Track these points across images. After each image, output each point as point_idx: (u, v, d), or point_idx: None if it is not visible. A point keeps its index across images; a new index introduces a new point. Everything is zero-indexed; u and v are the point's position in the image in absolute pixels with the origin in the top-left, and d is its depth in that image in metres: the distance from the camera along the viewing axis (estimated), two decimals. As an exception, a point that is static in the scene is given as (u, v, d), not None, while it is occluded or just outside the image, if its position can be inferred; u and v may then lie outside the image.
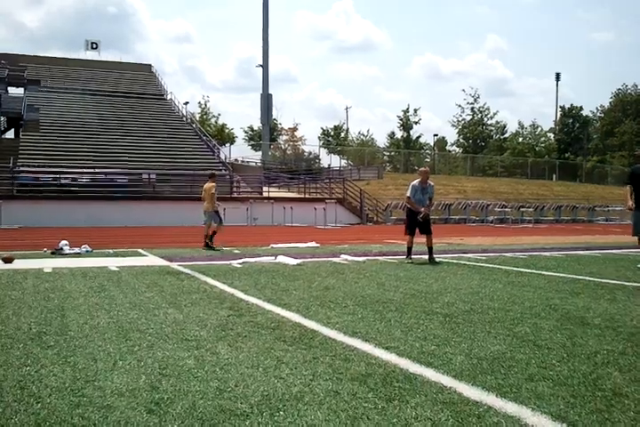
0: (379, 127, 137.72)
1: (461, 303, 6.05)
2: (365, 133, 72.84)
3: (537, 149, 67.80)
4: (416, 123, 68.62)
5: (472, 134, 68.61)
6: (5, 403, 3.00)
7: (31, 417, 2.81)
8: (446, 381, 3.39)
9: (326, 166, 48.45)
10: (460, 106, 68.79)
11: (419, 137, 69.83)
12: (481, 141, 69.20)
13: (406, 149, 63.75)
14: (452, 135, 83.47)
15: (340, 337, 4.47)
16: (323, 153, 64.68)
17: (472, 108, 68.45)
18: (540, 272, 8.84)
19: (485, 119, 69.35)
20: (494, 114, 69.56)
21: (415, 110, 68.31)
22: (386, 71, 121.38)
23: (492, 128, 69.99)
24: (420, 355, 3.96)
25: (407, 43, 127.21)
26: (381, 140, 73.73)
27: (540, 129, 70.27)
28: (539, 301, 6.23)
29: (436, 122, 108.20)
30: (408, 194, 10.69)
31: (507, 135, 70.34)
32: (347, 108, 78.43)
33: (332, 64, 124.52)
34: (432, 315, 5.39)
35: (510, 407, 2.97)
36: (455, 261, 10.55)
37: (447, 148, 73.12)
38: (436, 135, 67.67)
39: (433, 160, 63.79)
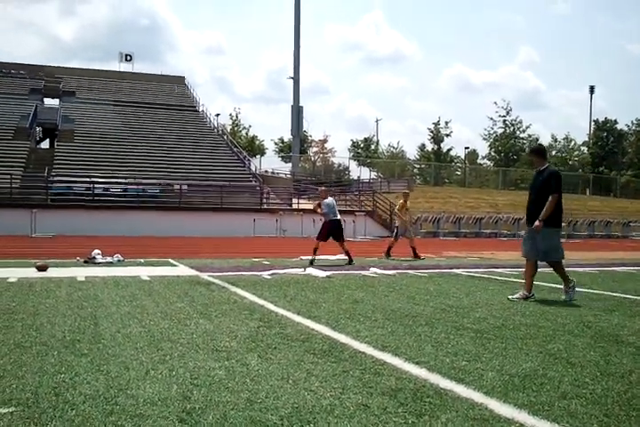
0: (409, 139, 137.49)
1: (492, 319, 5.99)
2: (395, 146, 72.84)
3: (570, 162, 67.03)
4: (447, 135, 68.53)
5: (504, 147, 68.07)
6: (41, 409, 3.05)
7: (66, 424, 2.85)
8: (477, 397, 3.36)
9: (356, 178, 48.48)
10: (491, 119, 68.43)
11: (449, 150, 69.66)
12: (513, 155, 68.60)
13: (437, 161, 63.53)
14: (483, 148, 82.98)
15: (369, 351, 4.46)
16: (352, 165, 64.85)
17: (504, 121, 68.01)
18: (572, 288, 8.70)
19: (518, 132, 68.80)
20: (527, 127, 69.03)
21: (446, 122, 68.26)
22: (416, 83, 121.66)
23: (525, 141, 69.37)
24: (450, 370, 3.94)
25: (437, 54, 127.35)
26: (411, 153, 73.74)
27: (573, 142, 69.50)
28: (572, 317, 6.14)
29: (466, 134, 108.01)
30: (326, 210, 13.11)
31: (539, 149, 69.56)
32: (377, 121, 78.35)
33: (362, 75, 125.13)
34: (463, 330, 5.34)
35: (542, 425, 2.93)
36: (486, 276, 10.45)
37: (478, 161, 72.66)
38: (467, 148, 67.48)
39: (464, 173, 63.44)
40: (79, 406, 3.11)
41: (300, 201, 33.36)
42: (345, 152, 71.84)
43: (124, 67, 53.94)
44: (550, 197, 7.29)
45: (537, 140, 69.39)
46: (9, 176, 27.86)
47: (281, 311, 6.26)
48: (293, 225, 27.59)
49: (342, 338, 4.91)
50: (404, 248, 14.94)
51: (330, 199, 13.45)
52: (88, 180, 29.37)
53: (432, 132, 68.33)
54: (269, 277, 9.78)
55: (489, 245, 23.11)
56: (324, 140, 69.46)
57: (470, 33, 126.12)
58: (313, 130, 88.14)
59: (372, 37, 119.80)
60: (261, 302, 6.96)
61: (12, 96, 42.87)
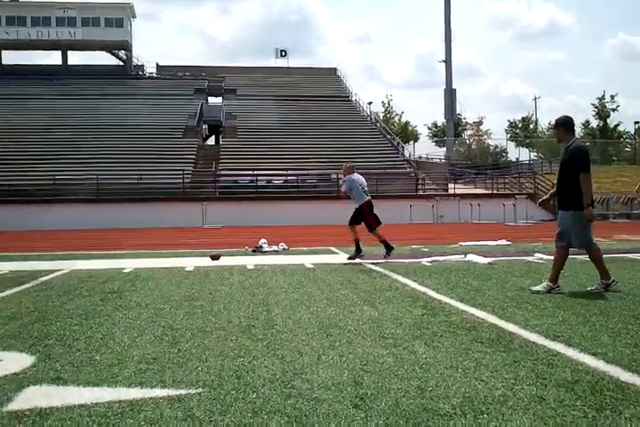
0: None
1: (677, 308, 5.54)
2: (556, 124, 68.87)
3: None
4: (613, 110, 63.58)
5: (681, 120, 62.00)
6: (225, 391, 3.28)
7: (248, 405, 3.05)
8: (664, 392, 3.14)
9: (514, 160, 46.60)
10: (665, 89, 62.56)
11: (617, 125, 64.63)
12: (692, 127, 62.32)
13: (603, 138, 59.30)
14: (656, 122, 75.86)
15: (540, 341, 4.31)
16: (510, 146, 62.31)
17: (681, 91, 61.89)
18: None
19: (697, 102, 62.33)
20: None
21: (612, 97, 63.34)
22: (574, 56, 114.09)
23: None
24: (631, 363, 3.70)
25: (597, 24, 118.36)
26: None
27: None
28: None
29: (636, 108, 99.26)
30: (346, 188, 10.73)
31: None
32: (535, 98, 74.40)
33: (514, 52, 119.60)
34: (643, 320, 4.99)
35: None
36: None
37: (651, 136, 66.80)
38: (637, 122, 62.16)
39: (634, 150, 58.68)
40: (259, 388, 3.31)
41: (457, 186, 32.74)
42: (501, 133, 69.24)
43: (280, 62, 55.78)
44: (581, 177, 6.46)
45: None
46: (181, 172, 30.02)
47: (444, 299, 6.21)
48: (450, 211, 27.17)
49: (510, 327, 4.79)
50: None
51: (357, 176, 10.84)
52: (251, 173, 30.85)
53: (596, 107, 63.82)
54: (429, 264, 9.74)
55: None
56: (479, 123, 67.37)
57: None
58: (467, 112, 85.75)
59: (524, 12, 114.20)
60: (423, 289, 6.96)
61: (180, 97, 45.96)
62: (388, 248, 10.55)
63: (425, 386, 3.29)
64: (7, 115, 39.43)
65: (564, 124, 6.86)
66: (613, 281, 6.55)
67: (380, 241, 10.62)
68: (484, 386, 3.28)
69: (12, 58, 53.37)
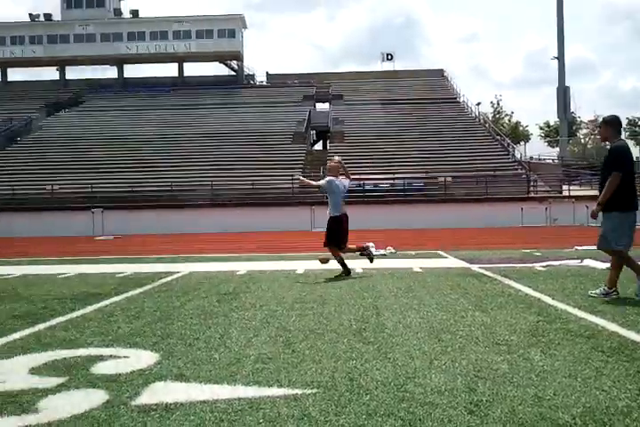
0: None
1: None
2: (683, 120, 64.56)
3: None
4: None
5: None
6: (339, 392, 3.34)
7: (362, 407, 3.08)
8: None
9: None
10: None
11: None
12: None
13: None
14: None
15: (667, 351, 4.08)
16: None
17: None
18: None
19: None
20: None
21: None
22: None
23: None
24: None
25: None
26: None
27: None
28: None
29: None
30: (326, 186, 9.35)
31: None
32: (657, 94, 70.06)
33: (632, 46, 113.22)
34: None
35: None
36: None
37: None
38: None
39: None
40: (372, 391, 3.34)
41: (571, 187, 31.40)
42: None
43: (386, 66, 55.78)
44: (610, 177, 6.14)
45: None
46: (291, 177, 30.65)
47: (560, 305, 6.00)
48: (565, 213, 26.11)
49: (633, 335, 4.56)
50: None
51: (340, 181, 9.57)
52: (359, 177, 31.00)
53: None
54: (543, 268, 9.42)
55: None
56: (595, 121, 64.31)
57: None
58: (581, 110, 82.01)
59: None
60: (537, 294, 6.75)
61: (289, 104, 47.02)
62: (347, 272, 8.96)
63: (542, 394, 3.20)
64: (129, 125, 41.92)
65: (614, 124, 6.63)
66: (615, 291, 6.45)
67: (338, 262, 9.01)
68: (606, 396, 3.15)
69: (131, 71, 56.77)
